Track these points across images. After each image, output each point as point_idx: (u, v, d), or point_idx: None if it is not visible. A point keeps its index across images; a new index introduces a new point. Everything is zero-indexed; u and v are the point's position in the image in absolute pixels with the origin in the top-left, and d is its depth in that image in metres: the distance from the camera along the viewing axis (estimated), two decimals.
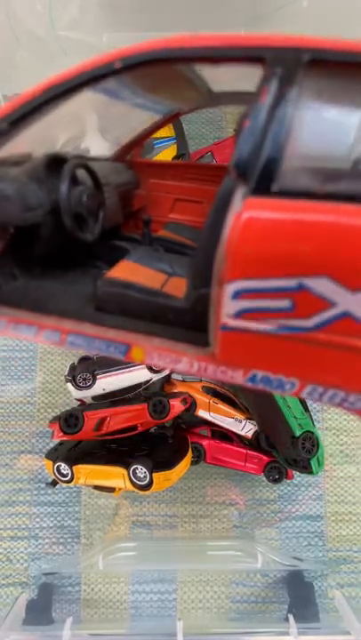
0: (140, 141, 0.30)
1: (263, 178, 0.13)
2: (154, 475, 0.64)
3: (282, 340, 0.13)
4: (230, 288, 0.13)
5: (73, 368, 0.75)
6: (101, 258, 0.25)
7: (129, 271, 0.22)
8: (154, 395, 0.74)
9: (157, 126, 0.28)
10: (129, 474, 0.65)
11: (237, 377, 0.15)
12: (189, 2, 0.75)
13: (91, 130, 0.24)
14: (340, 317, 0.12)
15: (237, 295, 0.13)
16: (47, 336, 0.19)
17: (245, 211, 0.13)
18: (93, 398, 0.75)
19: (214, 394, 0.80)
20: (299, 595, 0.78)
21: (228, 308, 0.14)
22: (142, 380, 0.75)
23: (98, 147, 0.27)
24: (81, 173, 0.23)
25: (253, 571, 0.82)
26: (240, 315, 0.13)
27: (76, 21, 0.78)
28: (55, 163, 0.22)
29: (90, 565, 0.80)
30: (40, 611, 0.77)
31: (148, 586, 0.82)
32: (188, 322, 0.18)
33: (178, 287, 0.20)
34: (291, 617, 0.69)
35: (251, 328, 0.13)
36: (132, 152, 0.31)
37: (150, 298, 0.19)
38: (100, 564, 0.77)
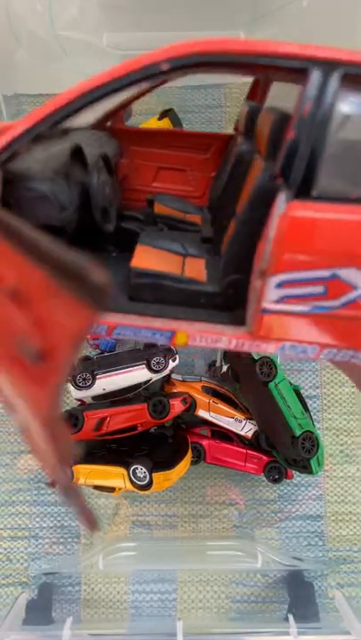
0: (123, 108, 0.29)
1: (305, 184, 0.15)
2: (154, 475, 0.64)
3: (312, 317, 0.16)
4: (275, 279, 0.15)
5: (73, 368, 0.75)
6: (110, 241, 0.25)
7: (149, 257, 0.22)
8: (154, 395, 0.74)
9: (142, 93, 0.28)
10: (129, 474, 0.65)
11: (270, 348, 0.18)
12: (189, 2, 0.75)
13: None
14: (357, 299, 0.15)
15: (281, 285, 0.15)
16: (95, 330, 0.20)
17: (290, 212, 0.15)
18: (93, 398, 0.75)
19: (214, 394, 0.80)
20: (299, 595, 0.78)
21: (270, 295, 0.16)
22: (142, 380, 0.75)
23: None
24: (100, 164, 0.23)
25: (253, 571, 0.82)
26: (280, 300, 0.16)
27: (76, 21, 0.78)
28: (76, 154, 0.22)
29: (90, 565, 0.80)
30: (40, 611, 0.77)
31: (148, 586, 0.82)
32: (220, 304, 0.20)
33: (196, 269, 0.22)
34: (291, 617, 0.69)
35: (288, 310, 0.16)
36: (113, 119, 0.30)
37: (183, 286, 0.20)
38: (100, 564, 0.77)
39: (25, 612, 0.76)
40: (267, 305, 0.15)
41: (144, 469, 0.64)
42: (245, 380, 0.76)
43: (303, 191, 0.14)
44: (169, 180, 0.30)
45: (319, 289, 0.15)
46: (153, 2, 0.74)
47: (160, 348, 0.76)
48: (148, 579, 0.82)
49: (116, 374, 0.74)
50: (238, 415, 0.79)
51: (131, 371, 0.74)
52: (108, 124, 0.30)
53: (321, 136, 0.14)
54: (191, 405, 0.77)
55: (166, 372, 0.75)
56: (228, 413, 0.79)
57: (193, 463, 0.76)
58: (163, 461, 0.67)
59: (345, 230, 0.14)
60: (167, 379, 0.80)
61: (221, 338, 0.19)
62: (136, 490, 0.66)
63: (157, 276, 0.20)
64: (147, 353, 0.75)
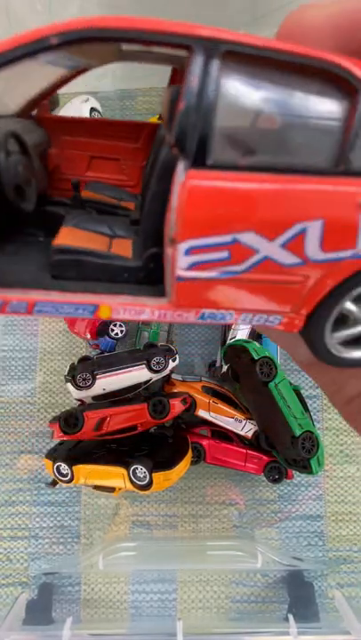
0: (47, 96, 0.29)
1: (199, 153, 0.17)
2: (154, 475, 0.64)
3: (222, 282, 0.17)
4: (182, 247, 0.17)
5: (73, 368, 0.75)
6: (36, 226, 0.25)
7: (74, 237, 0.23)
8: (154, 395, 0.74)
9: (64, 80, 0.28)
10: (129, 474, 0.65)
11: (190, 317, 0.19)
12: (189, 2, 0.75)
13: None
14: (263, 260, 0.17)
15: (188, 252, 0.17)
16: (13, 307, 0.20)
17: (188, 181, 0.17)
18: (93, 398, 0.75)
19: (214, 394, 0.80)
20: (299, 595, 0.78)
21: (181, 262, 0.17)
22: (142, 379, 0.75)
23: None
24: (10, 142, 0.24)
25: (253, 571, 0.82)
26: (191, 267, 0.17)
27: None
28: None
29: (90, 565, 0.80)
30: (40, 611, 0.77)
31: (148, 586, 0.82)
32: (142, 278, 0.21)
33: (123, 247, 0.23)
34: (291, 617, 0.69)
35: (200, 276, 0.17)
36: (37, 107, 0.30)
37: (105, 261, 0.21)
38: (100, 564, 0.77)
39: (25, 612, 0.76)
40: (180, 272, 0.17)
41: (144, 469, 0.64)
42: (245, 379, 0.76)
43: (199, 160, 0.16)
44: (102, 170, 0.30)
45: (224, 254, 0.16)
46: (153, 2, 0.74)
47: (160, 349, 0.76)
48: (148, 579, 0.82)
49: (116, 374, 0.74)
50: (238, 415, 0.79)
51: (131, 371, 0.74)
52: (34, 112, 0.30)
53: (208, 108, 0.16)
54: (191, 405, 0.77)
55: (166, 372, 0.75)
56: (228, 413, 0.79)
57: (193, 463, 0.76)
58: (163, 461, 0.67)
59: (239, 197, 0.15)
60: (167, 379, 0.80)
61: (144, 309, 0.20)
62: (136, 490, 0.66)
63: (79, 252, 0.21)
64: (147, 353, 0.75)
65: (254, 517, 0.84)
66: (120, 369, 0.74)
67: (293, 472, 0.79)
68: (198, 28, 0.17)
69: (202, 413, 0.78)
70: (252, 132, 0.17)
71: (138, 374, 0.74)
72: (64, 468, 0.68)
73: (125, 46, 0.20)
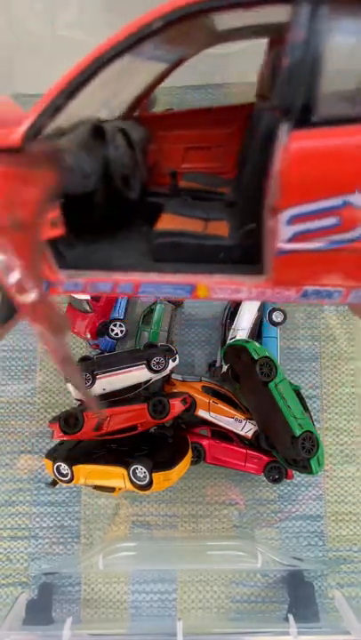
0: (146, 96, 0.29)
1: (304, 111, 0.15)
2: (154, 475, 0.64)
3: (330, 253, 0.15)
4: (285, 215, 0.15)
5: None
6: (139, 215, 0.26)
7: (172, 222, 0.23)
8: (154, 395, 0.74)
9: (163, 76, 0.28)
10: (129, 474, 0.65)
11: (291, 295, 0.17)
12: None
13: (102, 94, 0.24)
14: None
15: (291, 220, 0.15)
16: (122, 289, 0.21)
17: (292, 142, 0.15)
18: None
19: (214, 394, 0.80)
20: (299, 595, 0.78)
21: (283, 233, 0.15)
22: (142, 380, 0.75)
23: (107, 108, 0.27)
24: (118, 137, 0.24)
25: (253, 571, 0.82)
26: (294, 238, 0.15)
27: (76, 21, 0.78)
28: (96, 130, 0.24)
29: (90, 565, 0.80)
30: (40, 611, 0.77)
31: (148, 586, 0.82)
32: (238, 257, 0.20)
33: (218, 229, 0.23)
34: (291, 617, 0.69)
35: (303, 248, 0.16)
36: (139, 108, 0.31)
37: (201, 241, 0.21)
38: (100, 564, 0.77)
39: (25, 612, 0.76)
40: (281, 245, 0.14)
41: (144, 469, 0.64)
42: (245, 380, 0.76)
43: (303, 119, 0.14)
44: (197, 159, 0.30)
45: (333, 220, 0.13)
46: (153, 2, 0.74)
47: (160, 349, 0.76)
48: (148, 579, 0.82)
49: (116, 374, 0.74)
50: (238, 415, 0.79)
51: (131, 371, 0.74)
52: (135, 113, 0.31)
53: (315, 59, 0.14)
54: (191, 405, 0.77)
55: (166, 372, 0.75)
56: (228, 413, 0.79)
57: (193, 463, 0.76)
58: (163, 461, 0.67)
59: (351, 152, 0.13)
60: (167, 379, 0.80)
61: (241, 288, 0.19)
62: (136, 490, 0.66)
63: (178, 234, 0.22)
64: (147, 353, 0.75)
65: (254, 517, 0.84)
66: (120, 369, 0.74)
67: (293, 472, 0.79)
68: None
69: (202, 413, 0.78)
70: None
71: (138, 374, 0.74)
72: (64, 467, 0.68)
73: (222, 26, 0.20)
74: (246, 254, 0.20)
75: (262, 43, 0.79)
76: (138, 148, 0.26)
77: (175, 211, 0.25)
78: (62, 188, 0.21)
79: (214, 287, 0.20)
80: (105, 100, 0.25)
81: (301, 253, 0.15)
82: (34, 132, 0.20)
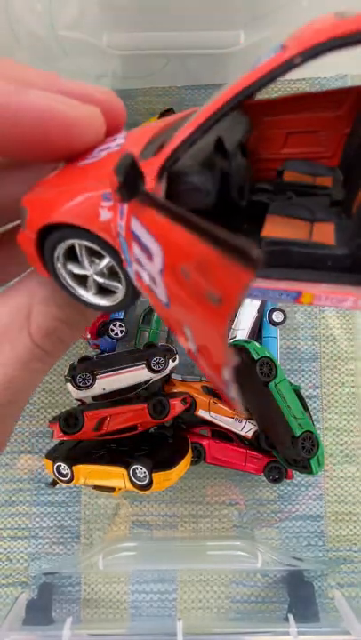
0: None
1: None
2: (154, 475, 0.64)
3: None
4: None
5: (73, 368, 0.75)
6: (243, 214, 0.26)
7: (278, 226, 0.24)
8: (154, 395, 0.74)
9: None
10: (129, 474, 0.65)
11: None
12: (189, 2, 0.75)
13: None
14: None
15: None
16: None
17: None
18: (93, 398, 0.75)
19: (214, 394, 0.80)
20: (299, 595, 0.79)
21: None
22: (142, 379, 0.75)
23: None
24: (237, 149, 0.25)
25: (253, 571, 0.82)
26: None
27: (76, 21, 0.78)
28: (217, 144, 0.24)
29: (90, 565, 0.80)
30: (40, 611, 0.77)
31: (148, 586, 0.82)
32: (349, 266, 0.20)
33: (324, 233, 0.23)
34: (291, 617, 0.69)
35: None
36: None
37: (310, 250, 0.22)
38: (100, 564, 0.77)
39: (25, 612, 0.76)
40: None
41: (144, 469, 0.64)
42: (245, 380, 0.76)
43: None
44: (298, 144, 0.30)
45: None
46: (153, 2, 0.74)
47: (160, 348, 0.76)
48: (148, 579, 0.82)
49: (116, 374, 0.74)
50: (238, 415, 0.79)
51: (131, 371, 0.74)
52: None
53: None
54: (191, 405, 0.77)
55: (166, 372, 0.75)
56: (228, 413, 0.79)
57: (193, 463, 0.76)
58: (163, 461, 0.67)
59: None
60: (167, 379, 0.80)
61: (348, 297, 0.19)
62: (136, 490, 0.66)
63: (285, 243, 0.22)
64: (147, 353, 0.75)
65: (254, 517, 0.84)
66: (120, 369, 0.74)
67: (293, 472, 0.79)
68: None
69: (202, 413, 0.78)
70: None
71: (138, 374, 0.74)
72: (64, 467, 0.68)
73: None
74: (356, 264, 0.20)
75: (264, 43, 0.79)
76: (236, 150, 0.27)
77: (280, 212, 0.26)
78: (187, 207, 0.21)
79: (320, 295, 0.21)
80: None
81: None
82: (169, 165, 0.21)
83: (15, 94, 0.20)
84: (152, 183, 0.20)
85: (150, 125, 0.24)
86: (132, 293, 0.24)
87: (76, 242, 0.20)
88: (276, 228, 0.24)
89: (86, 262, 0.21)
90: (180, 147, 0.21)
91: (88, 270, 0.21)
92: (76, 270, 0.21)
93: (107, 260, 0.20)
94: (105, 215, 0.19)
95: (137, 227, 0.18)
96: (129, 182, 0.18)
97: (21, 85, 0.21)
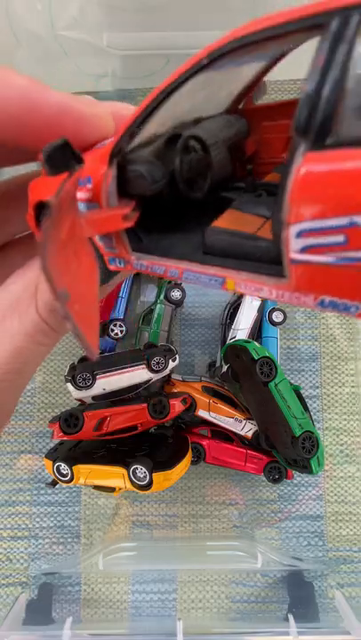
0: (251, 90, 0.30)
1: (319, 134, 0.16)
2: (154, 475, 0.64)
3: (341, 269, 0.16)
4: (294, 229, 0.16)
5: (73, 368, 0.75)
6: (210, 209, 0.27)
7: (231, 220, 0.25)
8: (154, 395, 0.74)
9: (266, 69, 0.28)
10: (129, 474, 0.65)
11: (309, 301, 0.19)
12: (189, 2, 0.75)
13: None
14: None
15: (300, 234, 0.16)
16: (171, 273, 0.25)
17: (304, 165, 0.16)
18: (93, 398, 0.75)
19: (214, 394, 0.80)
20: (299, 595, 0.79)
21: (293, 245, 0.17)
22: (142, 379, 0.75)
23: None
24: (192, 142, 0.27)
25: (253, 571, 0.82)
26: (304, 250, 0.17)
27: (76, 21, 0.78)
28: (173, 139, 0.26)
29: (90, 565, 0.80)
30: (40, 611, 0.77)
31: (148, 586, 0.82)
32: (271, 258, 0.21)
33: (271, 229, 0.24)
34: (291, 617, 0.69)
35: (314, 260, 0.17)
36: (244, 101, 0.31)
37: (243, 241, 0.23)
38: (100, 564, 0.77)
39: (25, 612, 0.76)
40: (293, 255, 0.16)
41: (144, 469, 0.64)
42: (245, 380, 0.76)
43: (318, 142, 0.15)
44: None
45: (340, 238, 0.15)
46: (153, 2, 0.74)
47: (160, 348, 0.76)
48: (148, 579, 0.82)
49: (116, 374, 0.74)
50: (238, 415, 0.79)
51: (131, 371, 0.74)
52: (241, 106, 0.32)
53: (336, 85, 0.15)
54: (191, 405, 0.77)
55: (166, 372, 0.75)
56: (228, 413, 0.79)
57: (193, 463, 0.76)
58: (163, 461, 0.67)
59: (357, 175, 0.15)
60: (167, 379, 0.80)
61: (263, 288, 0.20)
62: (136, 490, 0.66)
63: (229, 233, 0.23)
64: (147, 353, 0.75)
65: (254, 517, 0.84)
66: (120, 369, 0.74)
67: (293, 472, 0.79)
68: (327, 3, 0.16)
69: (202, 413, 0.78)
70: None
71: (138, 374, 0.74)
72: (64, 467, 0.68)
73: None
74: (277, 257, 0.21)
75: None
76: (218, 146, 0.29)
77: (239, 207, 0.27)
78: (135, 191, 0.24)
79: (240, 283, 0.22)
80: (204, 99, 0.27)
81: (314, 265, 0.16)
82: (116, 153, 0.24)
83: (36, 91, 0.25)
84: (103, 167, 0.23)
85: None
86: (104, 268, 0.27)
87: None
88: (228, 221, 0.25)
89: None
90: (122, 137, 0.24)
91: None
92: None
93: None
94: (79, 195, 0.23)
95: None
96: (53, 159, 0.23)
97: (45, 86, 0.25)
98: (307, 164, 0.16)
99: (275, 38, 0.19)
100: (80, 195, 0.24)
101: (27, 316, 0.27)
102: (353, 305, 0.17)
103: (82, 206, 0.25)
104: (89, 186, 0.24)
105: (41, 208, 0.26)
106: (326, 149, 0.16)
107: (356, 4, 0.16)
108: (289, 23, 0.18)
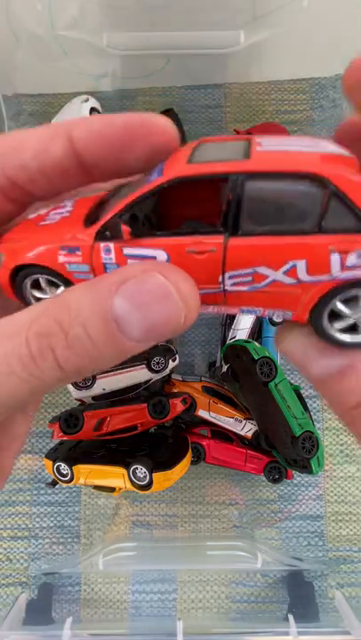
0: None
1: (234, 228, 0.24)
2: (154, 475, 0.64)
3: (253, 292, 0.25)
4: (227, 274, 0.25)
5: None
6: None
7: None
8: (154, 395, 0.74)
9: None
10: (129, 474, 0.65)
11: (235, 310, 0.27)
12: (189, 2, 0.75)
13: None
14: (272, 281, 0.24)
15: (230, 277, 0.25)
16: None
17: (229, 243, 0.24)
18: (93, 398, 0.75)
19: (214, 394, 0.80)
20: (299, 595, 0.79)
21: (227, 282, 0.25)
22: (142, 379, 0.75)
23: None
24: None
25: (253, 571, 0.82)
26: (232, 284, 0.25)
27: (76, 21, 0.78)
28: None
29: (90, 565, 0.80)
30: (40, 611, 0.77)
31: (148, 586, 0.82)
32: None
33: None
34: (291, 617, 0.69)
35: (238, 289, 0.25)
36: None
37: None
38: (100, 564, 0.77)
39: (25, 612, 0.76)
40: (227, 287, 0.25)
41: (144, 469, 0.65)
42: (245, 380, 0.76)
43: (234, 232, 0.24)
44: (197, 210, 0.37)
45: (249, 277, 0.25)
46: (153, 2, 0.74)
47: (160, 348, 0.76)
48: (148, 579, 0.82)
49: (116, 374, 0.74)
50: (238, 415, 0.79)
51: (131, 371, 0.74)
52: None
53: (240, 199, 0.24)
54: (191, 405, 0.77)
55: (166, 372, 0.75)
56: (228, 413, 0.79)
57: (193, 463, 0.76)
58: (163, 461, 0.67)
59: (256, 249, 0.24)
60: (167, 379, 0.80)
61: (208, 308, 0.28)
62: (136, 490, 0.66)
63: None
64: (147, 353, 0.75)
65: (254, 517, 0.84)
66: (120, 369, 0.74)
67: (293, 472, 0.79)
68: (237, 165, 0.24)
69: (202, 413, 0.78)
70: (266, 213, 0.24)
71: (138, 374, 0.74)
72: (64, 467, 0.68)
73: None
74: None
75: (264, 43, 0.79)
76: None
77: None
78: None
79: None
80: None
81: (238, 292, 0.26)
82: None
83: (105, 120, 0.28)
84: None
85: (97, 193, 0.30)
86: None
87: (40, 276, 0.27)
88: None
89: (47, 290, 0.28)
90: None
91: (48, 295, 0.28)
92: (39, 295, 0.28)
93: (62, 288, 0.27)
94: (62, 259, 0.26)
95: (130, 250, 0.26)
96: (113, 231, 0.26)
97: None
98: (231, 242, 0.24)
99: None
100: (63, 259, 0.27)
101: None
102: (258, 309, 0.26)
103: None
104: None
105: (20, 269, 0.28)
106: (238, 236, 0.24)
107: (249, 171, 0.24)
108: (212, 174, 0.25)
